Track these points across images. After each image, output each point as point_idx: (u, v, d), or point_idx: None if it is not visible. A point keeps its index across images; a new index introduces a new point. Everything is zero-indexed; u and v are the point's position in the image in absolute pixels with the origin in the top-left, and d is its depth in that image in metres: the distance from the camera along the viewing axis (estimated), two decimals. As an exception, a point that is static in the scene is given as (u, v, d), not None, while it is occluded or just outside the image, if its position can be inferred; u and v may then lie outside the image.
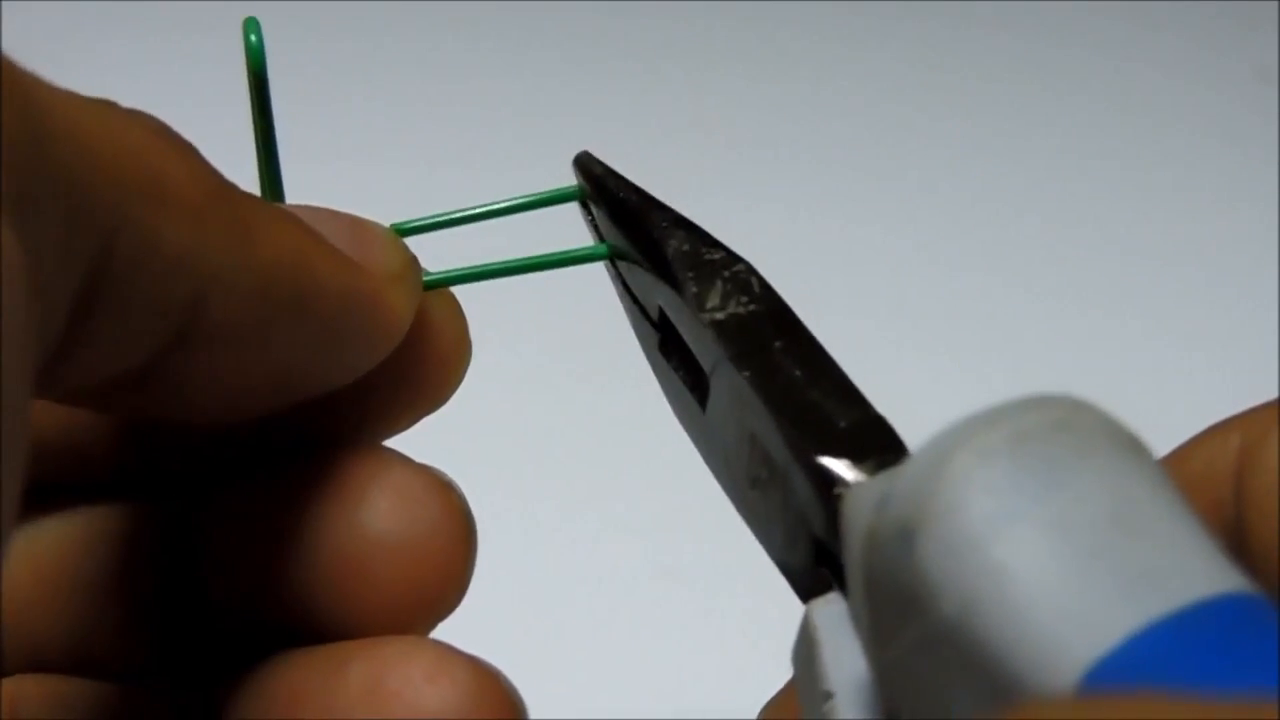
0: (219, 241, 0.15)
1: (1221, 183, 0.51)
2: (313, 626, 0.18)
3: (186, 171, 0.15)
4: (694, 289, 0.19)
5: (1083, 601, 0.13)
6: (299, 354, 0.17)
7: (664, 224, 0.19)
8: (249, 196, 0.16)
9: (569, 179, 0.20)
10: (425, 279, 0.18)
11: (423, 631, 0.18)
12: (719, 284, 0.19)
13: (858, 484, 0.16)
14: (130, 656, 0.19)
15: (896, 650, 0.14)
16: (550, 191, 0.20)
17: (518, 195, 0.20)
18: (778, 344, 0.18)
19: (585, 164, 0.20)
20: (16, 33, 0.48)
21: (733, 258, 0.19)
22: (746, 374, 0.18)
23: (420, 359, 0.19)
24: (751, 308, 0.18)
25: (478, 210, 0.19)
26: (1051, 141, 0.53)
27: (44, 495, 0.19)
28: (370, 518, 0.17)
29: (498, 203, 0.20)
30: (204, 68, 0.52)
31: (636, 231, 0.19)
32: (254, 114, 0.18)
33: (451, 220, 0.19)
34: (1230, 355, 0.43)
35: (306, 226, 0.17)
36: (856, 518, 0.15)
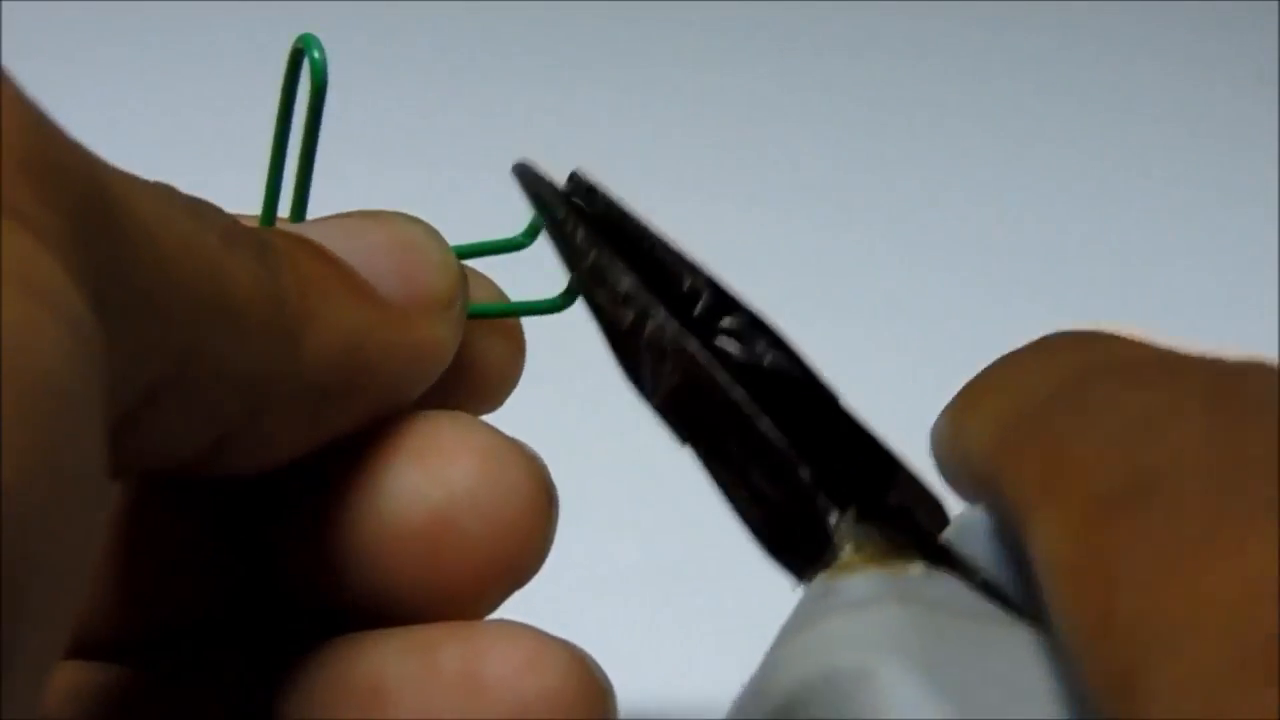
0: (275, 352, 0.15)
1: (1221, 183, 0.51)
2: (389, 594, 0.17)
3: (248, 279, 0.15)
4: (633, 379, 0.18)
5: None
6: (351, 421, 0.17)
7: (584, 274, 0.18)
8: (296, 279, 0.16)
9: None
10: None
11: (497, 601, 0.18)
12: (647, 359, 0.18)
13: (788, 639, 0.15)
14: (185, 636, 0.18)
15: None
16: (499, 240, 0.20)
17: (467, 242, 0.20)
18: (707, 419, 0.17)
19: (523, 175, 0.19)
20: (17, 33, 0.48)
21: (642, 316, 0.17)
22: (697, 451, 0.17)
23: (461, 381, 0.19)
24: (674, 380, 0.17)
25: None
26: (1050, 142, 0.53)
27: None
28: (456, 475, 0.17)
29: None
30: (204, 68, 0.52)
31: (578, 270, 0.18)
32: (305, 132, 0.18)
33: None
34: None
35: (349, 293, 0.16)
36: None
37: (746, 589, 0.34)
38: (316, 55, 0.17)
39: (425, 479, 0.17)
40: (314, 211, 0.19)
